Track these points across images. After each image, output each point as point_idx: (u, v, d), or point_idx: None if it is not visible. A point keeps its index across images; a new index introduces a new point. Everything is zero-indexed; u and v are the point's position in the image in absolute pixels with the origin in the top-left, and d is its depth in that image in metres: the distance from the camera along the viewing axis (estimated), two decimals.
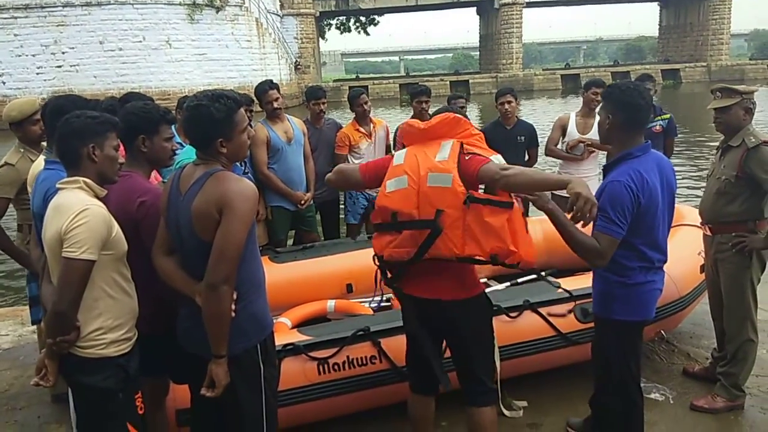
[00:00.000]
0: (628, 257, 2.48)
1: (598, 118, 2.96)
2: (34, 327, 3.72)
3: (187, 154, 3.54)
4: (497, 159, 2.35)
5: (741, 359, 3.20)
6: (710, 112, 3.20)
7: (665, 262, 2.61)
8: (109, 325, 2.12)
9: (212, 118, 2.06)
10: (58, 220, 2.04)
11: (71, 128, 2.14)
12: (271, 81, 4.63)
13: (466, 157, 2.33)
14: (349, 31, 50.50)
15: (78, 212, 2.01)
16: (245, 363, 2.14)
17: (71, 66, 27.78)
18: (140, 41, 28.21)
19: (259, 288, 2.22)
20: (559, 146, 5.00)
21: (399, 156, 2.46)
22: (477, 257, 2.26)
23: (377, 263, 2.54)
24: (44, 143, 3.29)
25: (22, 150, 3.27)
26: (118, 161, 2.25)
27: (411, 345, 2.64)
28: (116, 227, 2.13)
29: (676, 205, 4.95)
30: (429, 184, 2.29)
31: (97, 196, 2.14)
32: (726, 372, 3.24)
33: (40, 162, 2.80)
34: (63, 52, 27.70)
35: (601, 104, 2.66)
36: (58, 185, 2.15)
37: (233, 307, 2.06)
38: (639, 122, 2.51)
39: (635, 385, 2.65)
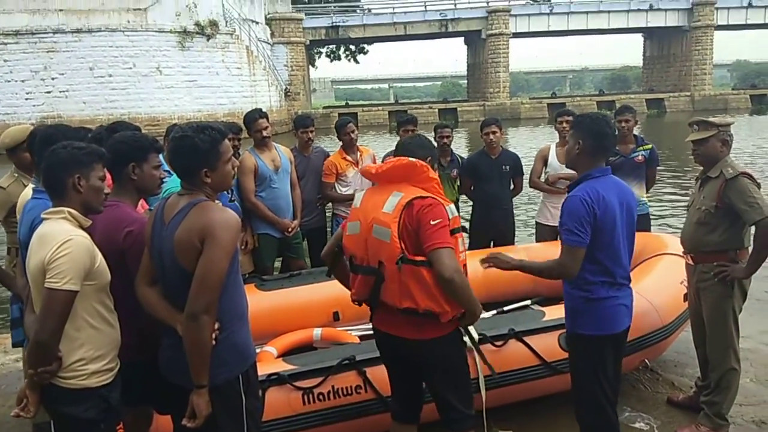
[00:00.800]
0: (592, 271, 2.59)
1: None
2: (18, 355, 3.69)
3: (174, 182, 3.57)
4: (450, 210, 2.41)
5: (724, 388, 3.22)
6: (689, 145, 3.28)
7: (628, 279, 2.72)
8: (90, 355, 2.12)
9: (197, 148, 2.10)
10: (41, 250, 2.05)
11: (57, 158, 2.16)
12: (261, 110, 4.71)
13: (416, 219, 2.33)
14: (339, 59, 51.36)
15: (61, 243, 2.02)
16: (227, 394, 2.14)
17: (60, 92, 27.77)
18: (130, 68, 28.32)
19: (241, 318, 2.23)
20: (541, 177, 5.10)
21: (358, 198, 2.56)
22: (414, 310, 2.35)
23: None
24: None
25: (16, 175, 3.32)
26: (104, 191, 2.27)
27: (390, 375, 2.71)
28: (99, 257, 2.15)
29: (659, 234, 5.07)
30: (374, 235, 2.40)
31: (81, 227, 2.15)
32: (710, 401, 3.25)
33: (28, 190, 2.82)
34: (53, 78, 27.69)
35: (570, 132, 2.80)
36: (42, 215, 2.17)
37: (214, 336, 2.06)
38: (605, 149, 2.71)
39: (607, 401, 2.68)
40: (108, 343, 2.19)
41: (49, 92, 27.71)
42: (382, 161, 5.06)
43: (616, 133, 4.90)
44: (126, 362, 2.27)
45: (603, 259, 2.60)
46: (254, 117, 4.52)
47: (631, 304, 2.75)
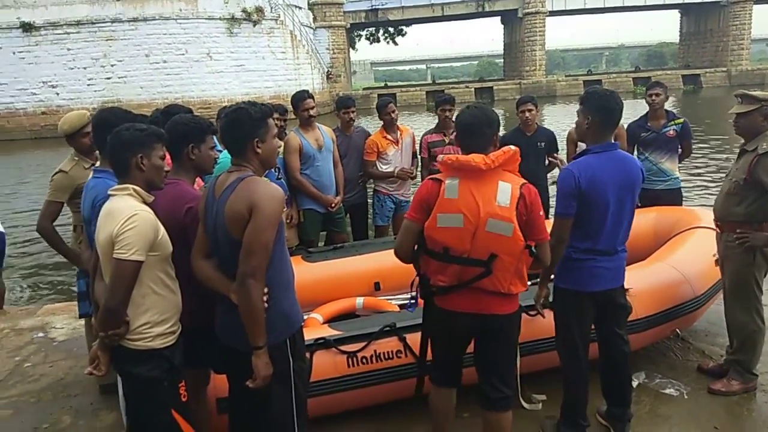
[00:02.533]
0: (576, 236, 2.80)
1: None
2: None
3: (223, 163, 3.77)
4: None
5: (750, 347, 3.34)
6: (730, 116, 3.34)
7: (615, 249, 2.85)
8: (155, 319, 2.28)
9: (250, 117, 2.27)
10: (110, 224, 2.20)
11: (121, 140, 2.32)
12: (308, 91, 4.91)
13: (528, 209, 2.40)
14: (378, 41, 51.69)
15: (128, 217, 2.18)
16: (275, 357, 2.26)
17: (119, 78, 29.44)
18: (183, 54, 29.74)
19: (287, 287, 2.37)
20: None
21: (451, 189, 2.41)
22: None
23: (419, 280, 2.64)
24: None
25: (76, 158, 3.50)
26: (164, 170, 2.44)
27: (439, 354, 2.76)
28: (162, 230, 2.30)
29: (693, 208, 5.09)
30: (487, 230, 2.36)
31: (145, 202, 2.31)
32: (737, 359, 3.39)
33: None
34: (112, 65, 29.38)
35: (580, 107, 2.86)
36: (109, 192, 2.32)
37: (265, 299, 2.21)
38: (612, 123, 2.81)
39: (579, 349, 2.90)
40: (171, 308, 2.35)
41: (108, 78, 29.38)
42: (422, 140, 5.22)
43: (648, 107, 4.97)
44: (186, 326, 2.43)
45: (587, 228, 2.76)
46: (303, 96, 4.71)
47: (617, 269, 2.89)
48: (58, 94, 29.25)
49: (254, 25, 31.26)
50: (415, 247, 2.59)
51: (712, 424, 3.14)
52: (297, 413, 2.35)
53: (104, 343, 2.26)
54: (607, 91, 2.88)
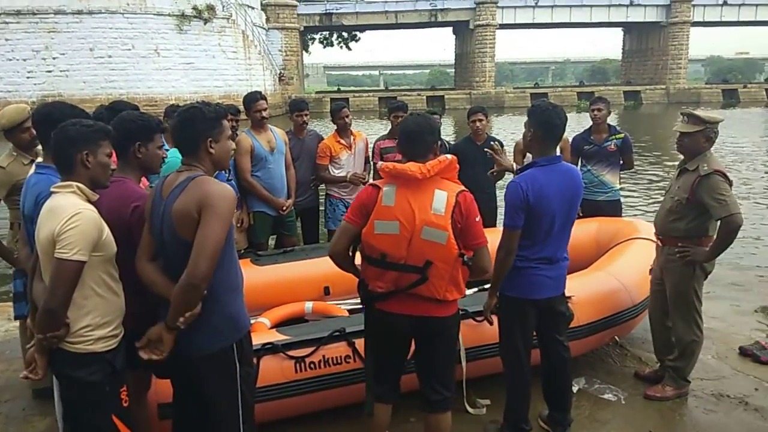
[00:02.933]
0: (521, 246, 2.85)
1: None
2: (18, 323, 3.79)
3: (172, 162, 3.70)
4: None
5: (688, 355, 3.52)
6: (669, 131, 3.52)
7: (558, 259, 2.95)
8: (97, 322, 2.22)
9: (204, 117, 2.24)
10: (51, 222, 2.13)
11: (67, 135, 2.24)
12: (260, 92, 4.85)
13: (464, 216, 2.44)
14: (332, 45, 51.68)
15: (71, 215, 2.11)
16: (222, 361, 2.24)
17: (61, 71, 28.32)
18: (129, 49, 28.95)
19: (235, 290, 2.32)
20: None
21: (388, 196, 2.45)
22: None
23: (358, 285, 2.67)
24: (40, 148, 3.40)
25: (14, 154, 3.36)
26: (110, 167, 2.37)
27: (379, 358, 2.72)
28: (106, 230, 2.23)
29: (632, 219, 5.31)
30: (423, 237, 2.40)
31: (89, 201, 2.25)
32: (674, 366, 3.55)
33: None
34: (54, 58, 28.25)
35: (526, 120, 2.97)
36: (52, 189, 2.24)
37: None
38: (554, 138, 2.90)
39: (519, 356, 2.99)
40: (113, 311, 2.29)
41: (50, 71, 28.22)
42: (374, 146, 5.25)
43: (591, 121, 5.18)
44: (129, 329, 2.36)
45: (532, 237, 2.85)
46: (255, 97, 4.66)
47: (559, 277, 2.99)
48: None
49: (205, 23, 30.87)
50: (350, 252, 2.65)
51: (648, 428, 3.27)
52: (243, 419, 2.32)
53: (42, 346, 2.18)
54: (551, 105, 2.97)
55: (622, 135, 5.24)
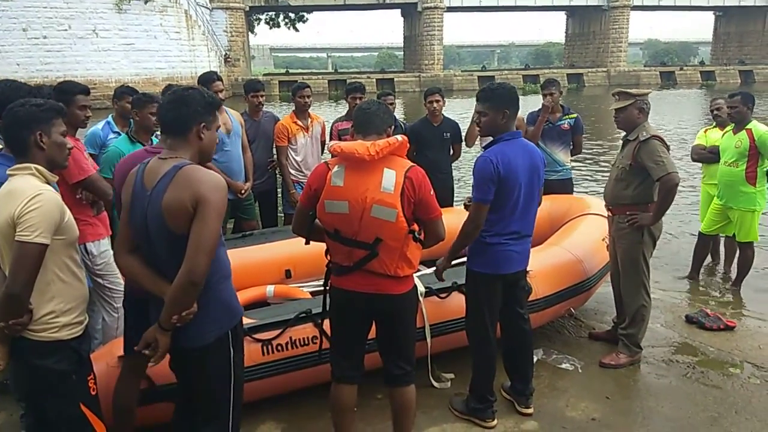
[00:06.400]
0: (490, 221, 2.94)
1: None
2: None
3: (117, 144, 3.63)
4: None
5: (639, 321, 3.72)
6: (611, 112, 3.71)
7: (525, 233, 3.06)
8: (61, 308, 2.16)
9: (203, 100, 2.15)
10: (10, 205, 2.05)
11: (16, 117, 2.16)
12: (216, 72, 4.73)
13: (417, 191, 2.43)
14: (279, 26, 50.47)
15: (31, 197, 2.04)
16: (218, 350, 2.19)
17: None
18: (66, 30, 27.79)
19: (228, 277, 2.26)
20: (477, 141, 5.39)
21: (338, 176, 2.46)
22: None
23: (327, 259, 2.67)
24: None
25: None
26: (67, 146, 2.30)
27: (338, 336, 2.74)
28: (68, 213, 2.17)
29: (583, 196, 5.49)
30: (372, 215, 2.42)
31: (48, 182, 2.18)
32: (627, 333, 3.75)
33: None
34: None
35: (486, 104, 2.97)
36: (8, 172, 2.16)
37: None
38: (516, 113, 3.01)
39: (487, 330, 3.08)
40: (77, 297, 2.23)
41: None
42: (332, 127, 5.22)
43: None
44: (143, 299, 2.29)
45: (501, 212, 2.93)
46: (211, 78, 4.53)
47: (524, 252, 3.10)
48: None
49: (145, 2, 29.81)
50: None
51: (604, 394, 3.43)
52: (234, 404, 2.29)
53: (4, 334, 2.10)
54: (507, 84, 3.07)
55: (575, 115, 5.39)
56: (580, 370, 3.69)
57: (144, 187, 2.11)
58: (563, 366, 3.73)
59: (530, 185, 2.97)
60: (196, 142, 2.17)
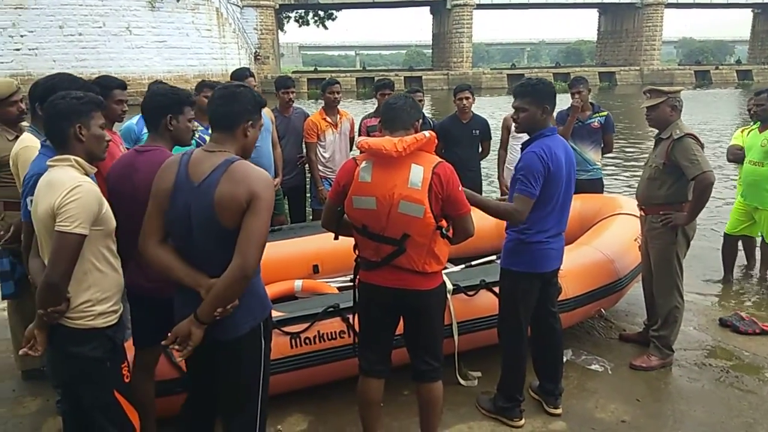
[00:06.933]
0: (531, 219, 2.88)
1: None
2: (3, 305, 3.74)
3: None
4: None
5: (671, 322, 3.65)
6: (643, 110, 3.65)
7: (562, 230, 3.02)
8: (97, 297, 2.19)
9: (253, 98, 2.18)
10: (50, 195, 2.09)
11: (57, 110, 2.20)
12: (249, 69, 4.80)
13: (445, 187, 2.41)
14: (308, 24, 50.87)
15: (71, 188, 2.07)
16: (251, 341, 2.20)
17: (30, 50, 27.64)
18: (100, 27, 28.43)
19: (260, 271, 2.25)
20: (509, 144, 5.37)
21: (365, 172, 2.47)
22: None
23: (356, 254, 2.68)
24: (24, 123, 3.33)
25: None
26: (105, 139, 2.34)
27: (366, 330, 2.74)
28: (106, 204, 2.21)
29: (614, 195, 5.41)
30: (400, 211, 2.41)
31: (86, 174, 2.22)
32: (658, 335, 3.68)
33: (25, 139, 2.87)
34: (21, 36, 27.54)
35: (526, 99, 2.93)
36: (48, 163, 2.20)
37: None
38: (554, 108, 2.98)
39: (519, 329, 3.04)
40: (113, 286, 2.27)
41: (18, 50, 27.53)
42: (360, 124, 5.24)
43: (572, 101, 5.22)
44: (152, 297, 2.36)
45: (545, 209, 2.88)
46: (244, 74, 4.61)
47: (562, 249, 3.07)
48: None
49: (178, 0, 30.27)
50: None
51: (635, 397, 3.38)
52: (262, 396, 2.31)
53: (43, 321, 2.15)
54: (542, 79, 3.04)
55: (605, 113, 5.30)
56: (609, 372, 3.64)
57: (189, 179, 2.10)
58: (593, 367, 3.68)
59: (569, 182, 2.94)
60: (242, 138, 2.18)
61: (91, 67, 27.00)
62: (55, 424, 3.08)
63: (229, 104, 2.14)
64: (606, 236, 4.19)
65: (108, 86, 3.19)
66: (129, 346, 2.53)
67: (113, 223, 2.26)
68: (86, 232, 2.09)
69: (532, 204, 2.84)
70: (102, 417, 2.25)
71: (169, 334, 2.12)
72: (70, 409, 2.41)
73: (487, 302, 3.46)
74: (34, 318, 2.18)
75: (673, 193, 3.53)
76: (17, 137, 3.21)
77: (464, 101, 5.14)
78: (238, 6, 37.34)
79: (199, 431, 2.48)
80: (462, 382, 3.46)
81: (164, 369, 2.78)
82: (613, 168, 11.14)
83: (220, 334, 2.13)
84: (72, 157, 2.20)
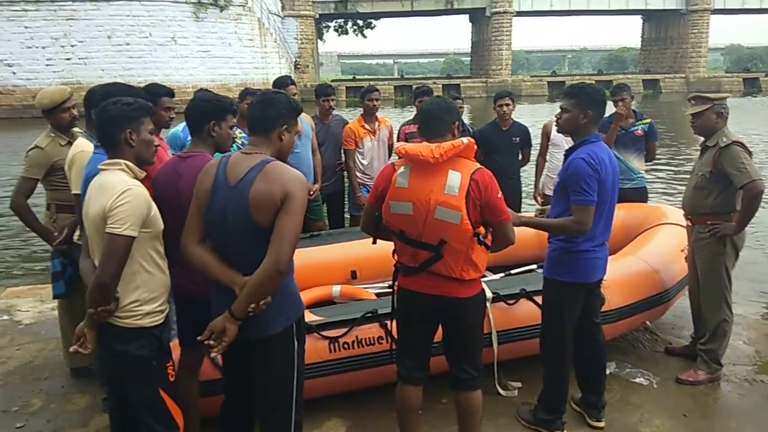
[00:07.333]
0: None
1: None
2: (53, 304, 3.87)
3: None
4: None
5: (720, 336, 3.53)
6: (687, 117, 3.56)
7: (607, 239, 2.96)
8: (145, 297, 2.25)
9: (289, 104, 2.27)
10: (102, 198, 2.16)
11: (108, 115, 2.27)
12: (290, 77, 4.88)
13: (483, 193, 2.39)
14: (347, 33, 51.45)
15: (121, 192, 2.14)
16: (283, 341, 2.25)
17: (80, 59, 28.61)
18: (147, 37, 29.20)
19: (293, 271, 2.33)
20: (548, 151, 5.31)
21: (403, 177, 2.48)
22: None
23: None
24: (77, 129, 3.45)
25: (52, 135, 3.41)
26: (154, 144, 2.40)
27: (404, 336, 2.73)
28: (154, 207, 2.27)
29: (659, 205, 5.27)
30: (436, 217, 2.41)
31: (136, 177, 2.28)
32: (706, 349, 3.56)
33: (80, 144, 2.97)
34: (72, 45, 28.55)
35: (571, 101, 2.88)
36: (99, 167, 2.27)
37: None
38: (602, 116, 2.97)
39: (564, 340, 2.98)
40: (160, 287, 2.32)
41: (68, 59, 28.51)
42: (399, 131, 5.25)
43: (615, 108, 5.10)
44: (190, 301, 2.42)
45: (595, 217, 2.80)
46: (285, 82, 4.69)
47: (606, 258, 3.00)
48: (14, 73, 28.14)
49: (221, 11, 30.91)
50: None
51: (681, 412, 3.27)
52: (296, 398, 2.33)
53: (92, 320, 2.21)
54: (594, 85, 2.98)
55: (648, 120, 5.17)
56: (655, 386, 3.54)
57: (227, 181, 2.18)
58: (637, 380, 3.59)
59: (614, 190, 2.89)
60: (277, 142, 2.26)
61: (137, 76, 27.82)
62: (102, 420, 3.17)
63: (266, 109, 2.24)
64: (651, 246, 4.08)
65: (157, 93, 3.28)
66: (174, 346, 2.58)
67: (161, 225, 2.32)
68: (135, 234, 2.15)
69: (593, 211, 2.76)
70: (147, 415, 2.30)
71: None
72: (116, 406, 2.47)
73: (528, 312, 3.41)
74: (83, 317, 2.24)
75: (721, 203, 3.42)
76: (69, 143, 3.34)
77: (504, 108, 5.10)
78: (279, 16, 38.11)
79: (238, 431, 2.51)
80: (501, 392, 3.42)
81: (208, 370, 2.83)
82: (658, 177, 10.87)
83: (253, 332, 2.19)
84: (122, 161, 2.26)
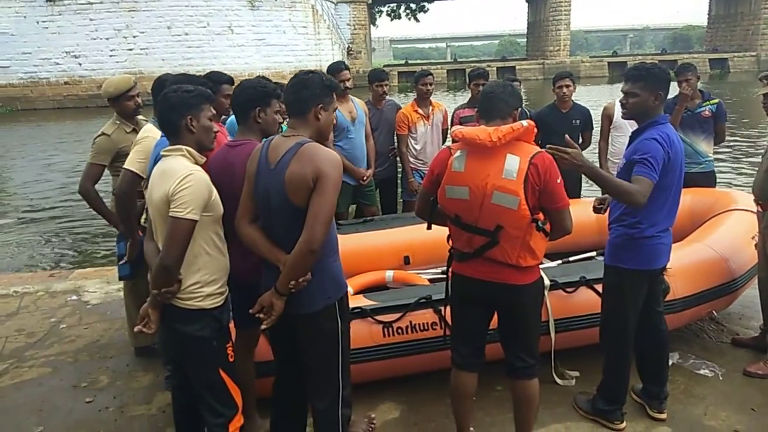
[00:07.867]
0: (645, 213, 2.68)
1: None
2: (119, 285, 4.03)
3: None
4: None
5: None
6: (759, 98, 3.38)
7: (672, 224, 2.81)
8: (206, 279, 2.31)
9: (322, 82, 2.28)
10: (165, 183, 2.22)
11: (170, 102, 2.32)
12: (344, 62, 4.89)
13: (542, 178, 2.33)
14: (400, 17, 51.28)
15: (184, 176, 2.20)
16: (325, 318, 2.31)
17: (141, 49, 29.87)
18: (204, 26, 30.21)
19: (336, 252, 2.39)
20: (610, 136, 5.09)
21: (459, 162, 2.44)
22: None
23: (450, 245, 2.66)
24: (141, 117, 3.57)
25: (118, 122, 3.55)
26: (214, 130, 2.45)
27: (458, 322, 2.72)
28: (215, 191, 2.32)
29: (729, 190, 5.02)
30: (493, 201, 2.36)
31: (197, 162, 2.33)
32: None
33: (148, 128, 3.07)
34: (134, 36, 29.83)
35: (639, 84, 2.72)
36: (162, 152, 2.34)
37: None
38: (666, 97, 2.80)
39: (626, 329, 2.88)
40: (220, 269, 2.39)
41: (130, 50, 29.85)
42: (453, 115, 5.18)
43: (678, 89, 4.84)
44: (247, 283, 2.47)
45: (660, 201, 2.69)
46: (339, 67, 4.69)
47: (670, 244, 2.86)
48: (80, 64, 29.67)
49: None
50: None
51: (749, 406, 3.13)
52: (342, 373, 2.39)
53: (156, 301, 2.29)
54: (658, 64, 2.84)
55: (716, 100, 4.89)
56: (720, 378, 3.39)
57: (268, 162, 2.27)
58: (701, 372, 3.45)
59: (680, 173, 2.76)
60: (314, 122, 2.29)
61: (196, 65, 28.67)
62: (164, 398, 3.29)
63: (299, 91, 2.28)
64: (719, 233, 3.89)
65: (218, 81, 3.35)
66: (231, 328, 2.65)
67: (221, 209, 2.37)
68: (197, 217, 2.21)
69: (651, 188, 2.59)
70: (208, 393, 2.37)
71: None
72: (178, 384, 2.56)
73: (587, 300, 3.33)
74: (147, 298, 2.32)
75: None
76: (134, 130, 3.45)
77: (564, 89, 4.94)
78: (332, 2, 38.28)
79: (291, 410, 2.59)
80: (558, 381, 3.35)
81: (263, 350, 2.89)
82: (727, 161, 10.37)
83: (296, 308, 2.28)
84: (184, 147, 2.32)
